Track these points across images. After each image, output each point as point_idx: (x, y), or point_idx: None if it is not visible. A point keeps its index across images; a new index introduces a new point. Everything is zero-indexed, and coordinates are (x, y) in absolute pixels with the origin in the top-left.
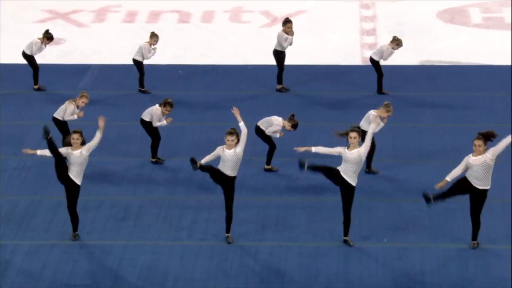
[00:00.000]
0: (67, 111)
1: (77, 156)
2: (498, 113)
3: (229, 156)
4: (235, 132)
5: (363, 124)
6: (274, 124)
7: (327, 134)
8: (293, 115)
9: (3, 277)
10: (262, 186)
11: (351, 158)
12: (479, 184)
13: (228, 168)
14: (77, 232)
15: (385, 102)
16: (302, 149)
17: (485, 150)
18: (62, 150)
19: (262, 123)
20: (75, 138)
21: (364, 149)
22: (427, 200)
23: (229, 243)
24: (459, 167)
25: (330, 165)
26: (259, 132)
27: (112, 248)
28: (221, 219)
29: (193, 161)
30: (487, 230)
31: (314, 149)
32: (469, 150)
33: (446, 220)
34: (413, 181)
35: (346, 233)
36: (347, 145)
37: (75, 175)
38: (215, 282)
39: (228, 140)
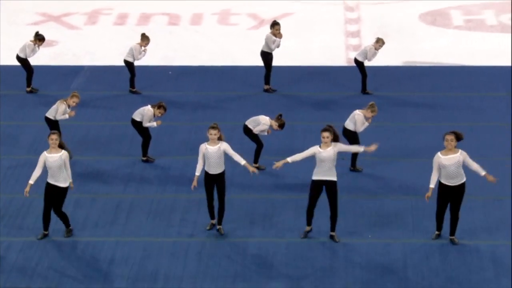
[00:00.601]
0: (58, 111)
1: (56, 159)
2: (478, 112)
3: (212, 153)
4: (217, 127)
5: (348, 124)
6: (261, 123)
7: (313, 134)
8: (280, 115)
9: None
10: (250, 183)
11: (326, 156)
12: (455, 182)
13: (213, 166)
14: (70, 227)
15: (370, 103)
16: (280, 164)
17: (455, 148)
18: (40, 161)
19: (249, 122)
20: (53, 139)
21: (340, 147)
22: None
23: (221, 234)
24: (435, 172)
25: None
26: (247, 131)
27: (104, 244)
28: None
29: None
30: (467, 225)
31: (290, 159)
32: None
33: (427, 216)
34: (396, 178)
35: (333, 228)
36: (319, 144)
37: (57, 179)
38: (204, 277)
39: (210, 134)
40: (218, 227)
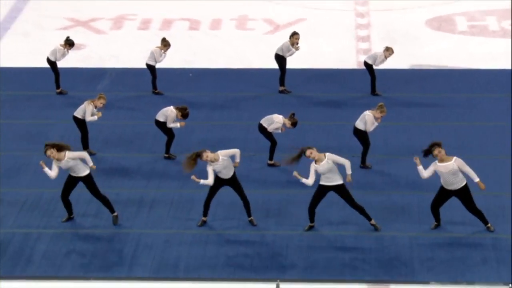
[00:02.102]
0: (87, 112)
1: (64, 164)
2: (480, 112)
3: (219, 166)
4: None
5: (358, 124)
6: (275, 121)
7: (324, 132)
8: (293, 114)
9: (29, 262)
10: (264, 179)
11: (323, 169)
12: (455, 187)
13: (223, 173)
14: (115, 214)
15: (380, 103)
16: (298, 176)
17: (448, 156)
18: (54, 170)
19: (264, 121)
20: (49, 155)
21: (333, 158)
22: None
23: (254, 225)
24: (428, 170)
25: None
26: (262, 129)
27: (127, 236)
28: (227, 210)
29: None
30: (470, 219)
31: (304, 180)
32: (453, 146)
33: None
34: (403, 175)
35: (369, 218)
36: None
37: (78, 172)
38: (222, 267)
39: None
40: (249, 218)
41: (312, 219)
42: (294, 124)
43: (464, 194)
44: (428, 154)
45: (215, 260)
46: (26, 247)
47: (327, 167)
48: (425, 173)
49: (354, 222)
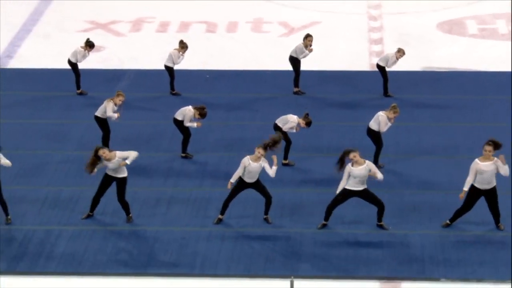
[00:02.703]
0: (107, 109)
1: (114, 163)
2: (491, 114)
3: (254, 167)
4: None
5: (372, 124)
6: (289, 121)
7: (338, 132)
8: (307, 114)
9: (50, 258)
10: (280, 179)
11: (359, 173)
12: (488, 187)
13: (251, 178)
14: (130, 215)
15: (393, 104)
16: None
17: (493, 157)
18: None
19: (279, 121)
20: (101, 153)
21: (372, 167)
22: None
23: (269, 223)
24: (471, 176)
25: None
26: (277, 129)
27: (146, 233)
28: (242, 208)
29: None
30: (480, 218)
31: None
32: (463, 146)
33: (442, 209)
34: (414, 174)
35: (379, 219)
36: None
37: (118, 171)
38: (238, 263)
39: (259, 152)
40: (265, 216)
41: (327, 218)
42: (308, 123)
43: (494, 194)
44: (497, 147)
45: (230, 257)
46: (47, 244)
47: (364, 173)
48: (469, 177)
49: (366, 221)
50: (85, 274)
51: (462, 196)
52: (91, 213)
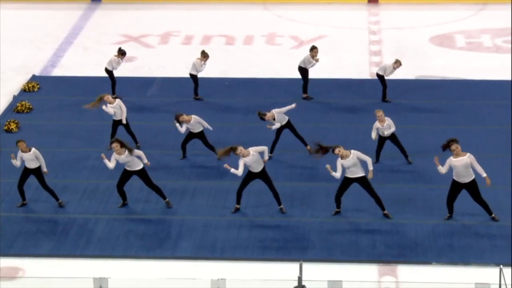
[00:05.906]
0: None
1: (124, 158)
2: (479, 117)
3: (251, 161)
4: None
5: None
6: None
7: (342, 133)
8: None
9: (88, 243)
10: (290, 173)
11: (349, 164)
12: (464, 180)
13: (255, 168)
14: (167, 199)
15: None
16: (329, 169)
17: (464, 152)
18: (112, 161)
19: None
20: (113, 146)
21: (358, 154)
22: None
23: (283, 213)
24: (444, 167)
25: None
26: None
27: (172, 221)
28: (258, 199)
29: None
30: (471, 209)
31: (335, 174)
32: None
33: (435, 202)
34: (410, 170)
35: (383, 208)
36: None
37: (132, 165)
38: (253, 248)
39: (240, 152)
40: (280, 207)
41: (338, 205)
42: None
43: (472, 187)
44: (446, 148)
45: (247, 242)
46: (85, 230)
47: (352, 162)
48: (443, 169)
49: (368, 211)
50: (119, 257)
51: (436, 159)
52: (125, 202)
